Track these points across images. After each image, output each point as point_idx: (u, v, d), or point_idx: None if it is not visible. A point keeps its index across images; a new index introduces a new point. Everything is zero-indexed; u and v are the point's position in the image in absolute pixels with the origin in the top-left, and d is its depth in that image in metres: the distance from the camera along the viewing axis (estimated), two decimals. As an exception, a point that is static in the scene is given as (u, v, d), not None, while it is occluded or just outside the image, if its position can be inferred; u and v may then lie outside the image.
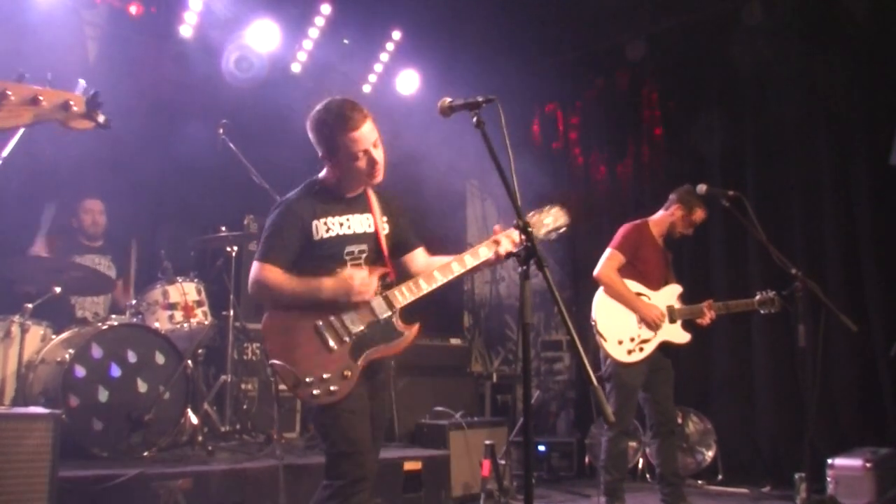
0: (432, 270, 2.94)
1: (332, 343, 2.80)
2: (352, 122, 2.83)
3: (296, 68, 7.16)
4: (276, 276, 2.83)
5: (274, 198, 5.31)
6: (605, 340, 4.57)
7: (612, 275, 4.63)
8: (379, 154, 2.90)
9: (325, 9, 6.89)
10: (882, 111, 5.80)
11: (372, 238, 2.98)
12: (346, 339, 2.82)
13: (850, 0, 5.95)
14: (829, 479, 4.91)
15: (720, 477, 6.05)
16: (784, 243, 5.57)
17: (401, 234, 3.09)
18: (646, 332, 4.60)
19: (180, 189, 6.30)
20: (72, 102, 2.15)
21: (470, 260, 2.96)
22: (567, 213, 3.13)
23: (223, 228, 5.50)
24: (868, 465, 4.80)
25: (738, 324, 6.30)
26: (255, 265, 2.87)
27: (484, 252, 2.95)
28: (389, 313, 2.89)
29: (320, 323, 2.81)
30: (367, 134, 2.85)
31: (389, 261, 3.00)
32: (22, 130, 4.33)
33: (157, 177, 6.06)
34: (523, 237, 2.37)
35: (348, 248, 2.93)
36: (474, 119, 2.50)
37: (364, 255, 2.95)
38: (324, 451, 2.89)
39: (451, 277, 2.95)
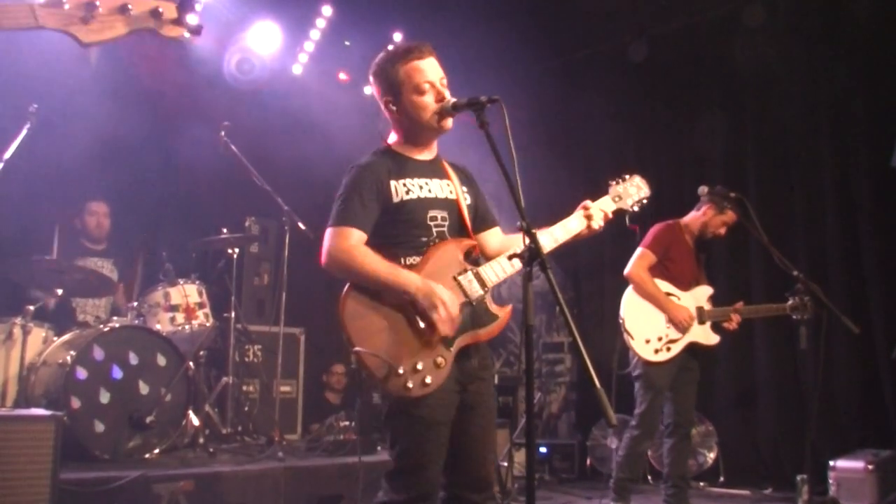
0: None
1: (423, 327, 2.48)
2: (415, 52, 2.66)
3: (297, 70, 7.17)
4: (360, 247, 2.52)
5: (275, 199, 5.33)
6: (632, 339, 4.55)
7: (643, 274, 4.60)
8: (447, 94, 2.65)
9: (327, 10, 6.90)
10: (884, 112, 5.80)
11: (453, 206, 2.70)
12: None
13: (853, 1, 5.95)
14: (830, 480, 4.91)
15: (722, 479, 6.05)
16: (785, 245, 5.57)
17: (481, 208, 2.83)
18: (674, 333, 4.55)
19: (182, 191, 6.32)
20: (161, 9, 2.08)
21: (561, 234, 2.75)
22: (648, 183, 3.02)
23: (224, 230, 5.50)
24: (870, 466, 4.80)
25: (739, 325, 6.29)
26: (331, 232, 2.55)
27: (574, 225, 2.78)
28: (481, 293, 2.60)
29: (408, 304, 2.49)
30: (433, 68, 2.66)
31: (472, 233, 2.73)
32: (24, 133, 4.37)
33: (159, 178, 6.07)
34: (526, 239, 2.31)
35: (431, 213, 2.64)
36: (477, 119, 2.48)
37: (447, 224, 2.66)
38: (388, 452, 2.60)
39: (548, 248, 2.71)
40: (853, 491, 4.79)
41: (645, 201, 3.03)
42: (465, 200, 2.75)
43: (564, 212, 2.91)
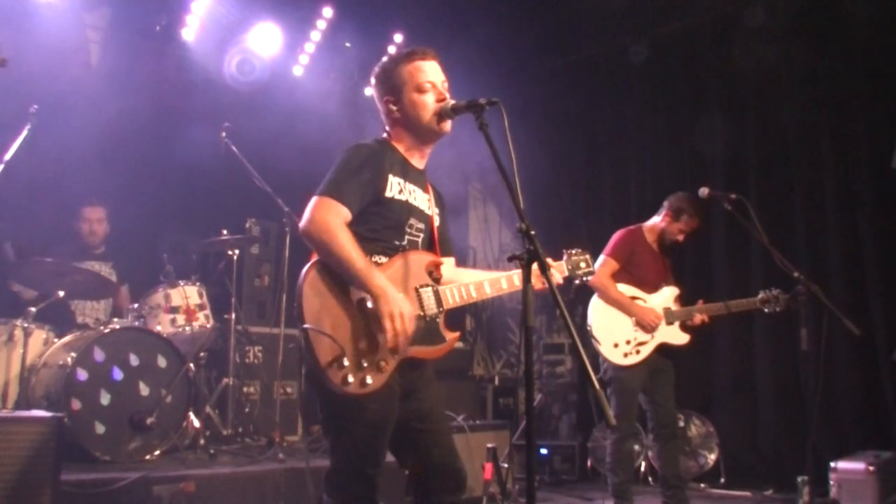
0: (482, 281, 2.72)
1: (374, 327, 2.44)
2: (418, 54, 2.69)
3: (297, 71, 7.17)
4: (346, 229, 2.43)
5: (276, 201, 5.33)
6: (599, 344, 4.64)
7: (605, 280, 4.69)
8: (448, 96, 2.66)
9: (327, 12, 6.91)
10: (884, 114, 5.80)
11: (428, 222, 2.72)
12: None
13: (853, 2, 5.95)
14: (831, 482, 4.90)
15: (722, 480, 6.03)
16: (786, 246, 5.56)
17: (445, 234, 2.84)
18: (642, 335, 4.65)
19: (182, 192, 6.32)
20: None
21: (516, 281, 2.77)
22: (593, 261, 3.07)
23: (225, 232, 5.50)
24: (871, 468, 4.78)
25: (740, 327, 6.30)
26: (321, 201, 2.45)
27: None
28: (437, 311, 2.59)
29: (367, 299, 2.43)
30: (435, 70, 2.68)
31: (439, 253, 2.74)
32: (24, 134, 4.37)
33: (160, 180, 6.07)
34: (526, 242, 2.32)
35: (411, 220, 2.64)
36: (477, 121, 2.48)
37: (421, 236, 2.68)
38: (328, 457, 2.56)
39: (498, 293, 2.76)
40: (854, 492, 4.78)
41: (587, 279, 3.05)
42: (436, 222, 2.78)
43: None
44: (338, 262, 2.42)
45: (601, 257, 4.77)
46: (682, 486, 4.71)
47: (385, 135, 2.77)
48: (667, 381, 4.74)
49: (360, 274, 2.40)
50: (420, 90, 2.65)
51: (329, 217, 2.43)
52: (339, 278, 2.45)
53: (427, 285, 2.61)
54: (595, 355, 4.76)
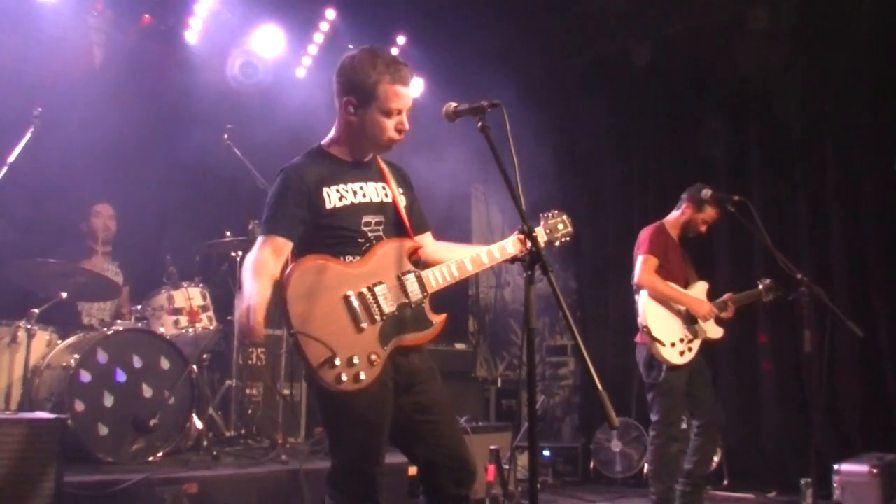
0: (463, 259, 2.71)
1: (362, 322, 2.46)
2: (402, 76, 2.60)
3: (300, 74, 7.17)
4: (261, 262, 2.47)
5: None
6: (661, 345, 4.44)
7: (654, 278, 4.56)
8: (406, 125, 2.66)
9: (330, 14, 6.91)
10: (887, 115, 5.79)
11: (390, 209, 2.71)
12: (378, 318, 2.50)
13: (856, 4, 5.94)
14: (835, 484, 4.90)
15: (726, 482, 6.03)
16: (789, 248, 5.56)
17: (416, 211, 2.83)
18: (691, 332, 4.56)
19: (185, 194, 6.32)
20: None
21: (497, 254, 2.77)
22: (571, 223, 3.07)
23: (228, 234, 5.50)
24: (874, 470, 4.78)
25: (743, 328, 6.28)
26: (257, 241, 2.56)
27: (511, 249, 2.78)
28: (422, 296, 2.62)
29: (351, 295, 2.47)
30: (408, 97, 2.64)
31: (412, 234, 2.73)
32: (28, 136, 4.38)
33: (162, 182, 6.07)
34: (528, 242, 2.32)
35: (365, 219, 2.63)
36: (479, 124, 2.48)
37: (382, 228, 2.66)
38: (328, 455, 2.59)
39: (481, 269, 2.77)
40: (858, 495, 4.78)
41: (567, 239, 3.04)
42: (402, 202, 2.76)
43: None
44: (244, 290, 2.43)
45: (640, 257, 4.64)
46: (703, 484, 4.64)
47: (326, 138, 2.74)
48: (707, 381, 4.62)
49: (247, 305, 2.37)
50: (388, 114, 2.62)
51: (257, 255, 2.49)
52: (320, 278, 2.46)
53: (409, 272, 2.62)
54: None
